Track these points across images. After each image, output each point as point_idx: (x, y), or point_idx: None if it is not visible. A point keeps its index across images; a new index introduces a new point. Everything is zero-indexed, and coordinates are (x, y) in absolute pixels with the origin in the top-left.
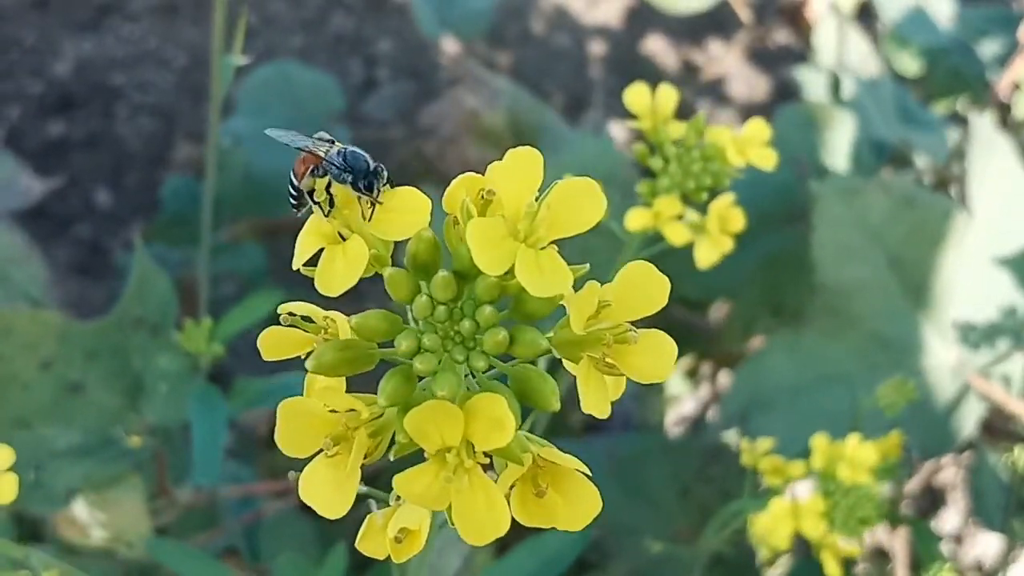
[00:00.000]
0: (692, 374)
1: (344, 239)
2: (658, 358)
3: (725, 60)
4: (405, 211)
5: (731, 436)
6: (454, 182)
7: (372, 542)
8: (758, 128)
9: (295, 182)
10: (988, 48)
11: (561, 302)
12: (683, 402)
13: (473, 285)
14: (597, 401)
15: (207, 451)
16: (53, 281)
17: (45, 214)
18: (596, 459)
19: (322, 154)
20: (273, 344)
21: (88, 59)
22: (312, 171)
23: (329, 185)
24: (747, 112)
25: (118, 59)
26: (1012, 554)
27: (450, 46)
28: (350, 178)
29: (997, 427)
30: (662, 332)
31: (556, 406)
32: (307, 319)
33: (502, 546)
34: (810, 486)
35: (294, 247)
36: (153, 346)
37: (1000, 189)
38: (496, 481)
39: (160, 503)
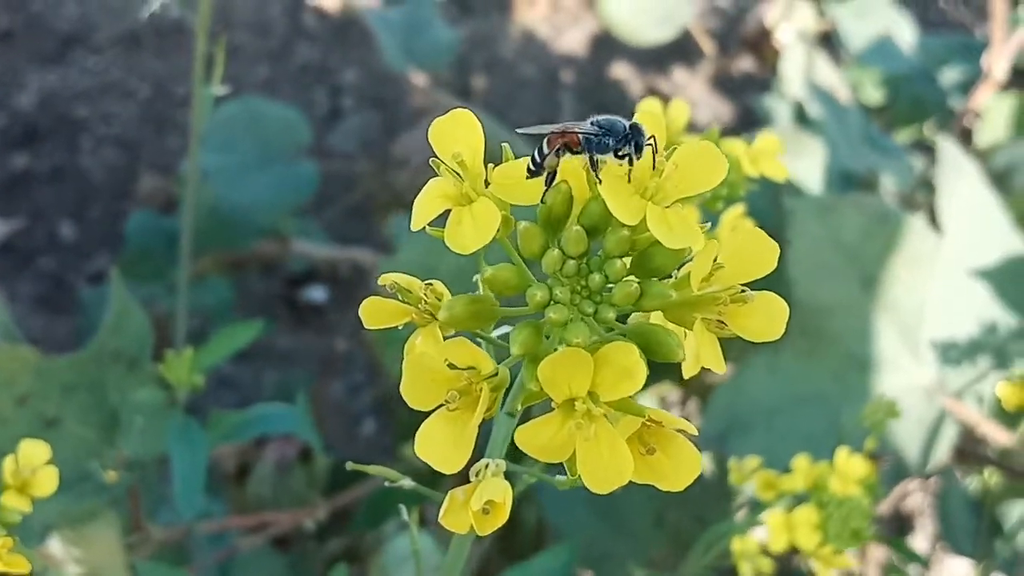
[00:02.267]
0: (663, 401)
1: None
2: (771, 318)
3: (690, 87)
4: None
5: (704, 465)
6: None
7: (455, 517)
8: (770, 141)
9: (544, 152)
10: (950, 76)
11: (687, 257)
12: None
13: (601, 240)
14: (714, 358)
15: (188, 484)
16: (16, 316)
17: (9, 248)
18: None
19: (578, 129)
20: (374, 313)
21: (52, 91)
22: (558, 151)
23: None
24: None
25: (82, 91)
26: None
27: (418, 77)
28: (611, 141)
29: (967, 450)
30: (773, 294)
31: (682, 357)
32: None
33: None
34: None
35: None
36: (130, 380)
37: (968, 210)
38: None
39: (134, 538)
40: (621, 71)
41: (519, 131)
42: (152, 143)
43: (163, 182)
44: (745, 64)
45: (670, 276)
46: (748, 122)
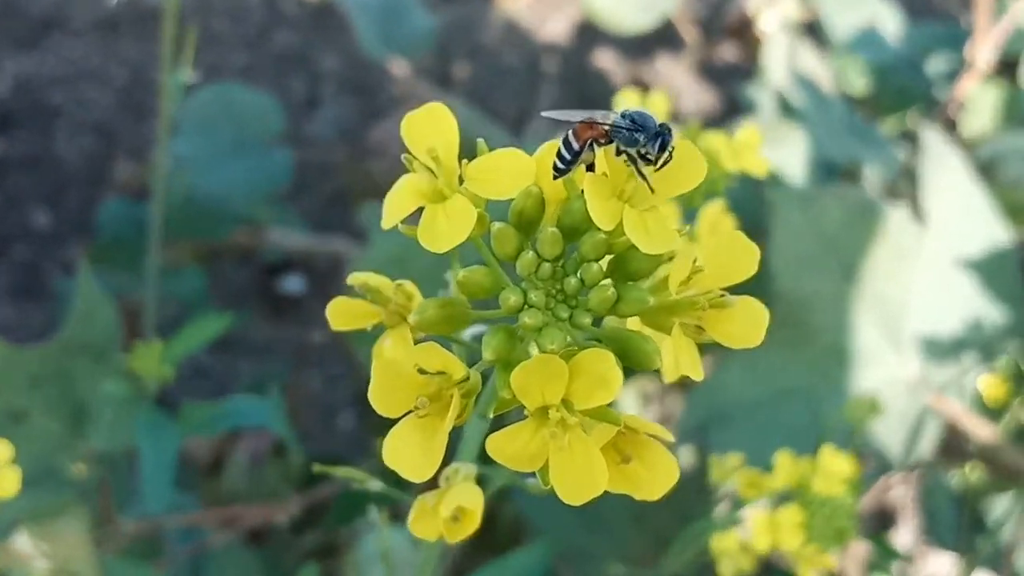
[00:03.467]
0: (643, 394)
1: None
2: (751, 324)
3: (674, 76)
4: (508, 171)
5: (685, 459)
6: (543, 148)
7: (424, 524)
8: (750, 135)
9: (574, 147)
10: (935, 65)
11: (666, 260)
12: None
13: (578, 243)
14: (692, 364)
15: (157, 477)
16: None
17: None
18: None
19: (608, 123)
20: (341, 313)
21: (28, 77)
22: (591, 144)
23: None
24: None
25: (58, 77)
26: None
27: (397, 64)
28: (642, 137)
29: (949, 445)
30: (754, 299)
31: (658, 365)
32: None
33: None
34: (762, 506)
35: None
36: (98, 371)
37: (952, 201)
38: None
39: (104, 532)
40: (604, 59)
41: (544, 114)
42: (129, 130)
43: (139, 169)
44: (729, 52)
45: (649, 278)
46: (732, 111)
